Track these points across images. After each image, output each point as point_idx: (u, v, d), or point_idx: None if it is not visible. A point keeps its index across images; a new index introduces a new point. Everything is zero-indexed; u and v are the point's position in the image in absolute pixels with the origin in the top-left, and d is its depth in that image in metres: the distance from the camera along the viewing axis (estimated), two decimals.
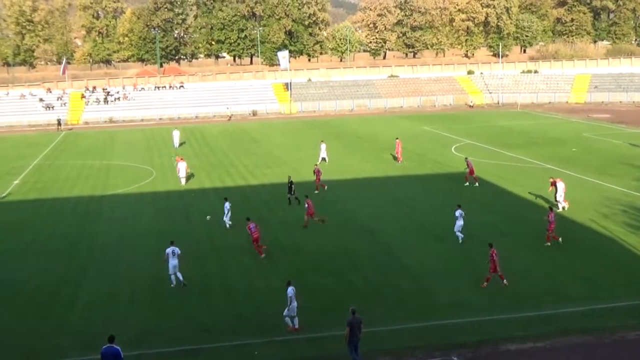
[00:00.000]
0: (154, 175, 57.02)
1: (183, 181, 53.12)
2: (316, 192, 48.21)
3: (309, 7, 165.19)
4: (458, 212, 36.33)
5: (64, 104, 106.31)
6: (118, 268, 33.48)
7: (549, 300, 28.33)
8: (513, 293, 29.15)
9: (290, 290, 26.13)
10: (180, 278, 30.86)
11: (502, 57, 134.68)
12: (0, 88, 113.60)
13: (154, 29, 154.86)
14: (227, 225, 39.47)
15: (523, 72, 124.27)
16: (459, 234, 36.26)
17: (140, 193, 50.98)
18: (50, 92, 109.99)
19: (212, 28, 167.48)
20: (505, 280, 29.86)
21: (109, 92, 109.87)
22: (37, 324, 27.31)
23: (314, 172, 49.87)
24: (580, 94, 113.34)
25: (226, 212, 39.58)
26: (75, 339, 25.73)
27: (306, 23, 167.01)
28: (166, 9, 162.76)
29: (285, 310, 26.15)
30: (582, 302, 28.04)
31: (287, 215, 42.84)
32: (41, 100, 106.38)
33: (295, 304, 26.02)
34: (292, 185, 46.08)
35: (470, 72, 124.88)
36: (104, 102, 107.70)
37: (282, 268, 32.96)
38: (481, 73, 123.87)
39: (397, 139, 62.14)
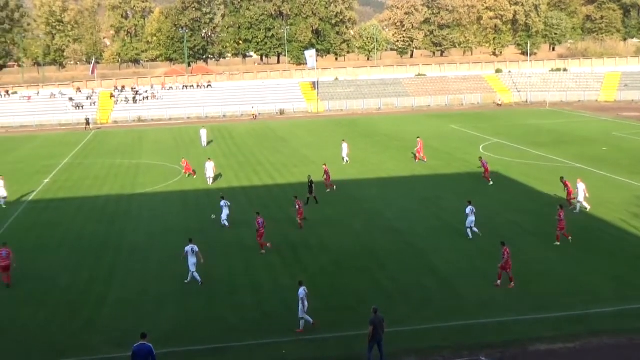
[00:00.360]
0: (182, 174, 57.35)
1: (210, 181, 53.39)
2: (328, 190, 48.47)
3: (336, 6, 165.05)
4: (469, 209, 36.96)
5: (94, 103, 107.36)
6: (147, 266, 33.79)
7: (578, 300, 28.11)
8: (541, 293, 28.98)
9: (302, 291, 26.11)
10: (198, 278, 31.18)
11: (530, 55, 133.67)
12: (31, 88, 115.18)
13: (182, 28, 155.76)
14: (224, 224, 39.58)
15: (552, 70, 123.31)
16: (469, 230, 36.88)
17: (168, 192, 51.37)
18: (80, 91, 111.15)
19: (239, 27, 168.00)
20: (513, 283, 29.74)
21: (137, 92, 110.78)
22: (67, 322, 27.67)
23: (324, 172, 49.71)
24: (610, 93, 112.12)
25: (223, 210, 39.64)
26: (104, 337, 26.05)
27: (333, 22, 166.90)
28: (194, 9, 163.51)
29: (300, 310, 26.03)
30: (613, 303, 27.79)
31: (313, 213, 42.88)
32: (71, 99, 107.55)
33: (306, 304, 26.02)
34: (312, 185, 46.07)
35: (498, 71, 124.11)
36: (133, 101, 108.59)
37: (307, 266, 33.10)
38: (509, 71, 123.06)
39: (418, 137, 62.06)
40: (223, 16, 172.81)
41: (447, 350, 24.14)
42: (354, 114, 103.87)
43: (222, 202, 39.89)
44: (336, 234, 38.34)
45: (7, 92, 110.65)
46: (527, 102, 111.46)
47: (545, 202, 44.37)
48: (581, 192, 41.40)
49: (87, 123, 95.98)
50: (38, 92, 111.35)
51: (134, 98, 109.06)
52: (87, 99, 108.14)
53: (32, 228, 42.11)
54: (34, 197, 50.93)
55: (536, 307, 27.61)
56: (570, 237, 35.35)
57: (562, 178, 43.52)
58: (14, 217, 44.80)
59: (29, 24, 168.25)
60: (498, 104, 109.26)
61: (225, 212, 39.41)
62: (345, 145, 61.12)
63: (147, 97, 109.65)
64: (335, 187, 49.42)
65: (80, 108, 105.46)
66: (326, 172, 49.47)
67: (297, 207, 39.95)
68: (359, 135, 75.88)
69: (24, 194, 51.50)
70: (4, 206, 47.81)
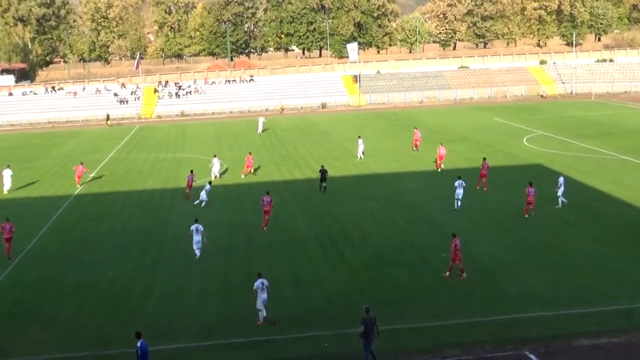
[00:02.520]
0: (224, 168, 57.71)
1: (214, 176, 53.17)
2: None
3: None
4: (457, 183, 41.01)
5: (138, 98, 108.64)
6: (189, 260, 34.07)
7: (623, 294, 27.69)
8: (584, 287, 28.62)
9: (259, 283, 26.35)
10: (198, 254, 33.53)
11: (575, 46, 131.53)
12: (76, 83, 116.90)
13: (225, 23, 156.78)
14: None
15: (598, 61, 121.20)
16: (457, 202, 40.94)
17: (211, 186, 51.69)
18: (124, 87, 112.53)
19: (281, 21, 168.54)
20: (464, 274, 29.87)
21: (180, 86, 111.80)
22: (112, 313, 28.11)
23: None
24: None
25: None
26: (149, 329, 26.27)
27: (375, 15, 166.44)
28: (236, 3, 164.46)
29: (258, 302, 26.24)
30: None
31: (355, 207, 42.92)
32: (115, 95, 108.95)
33: (263, 296, 26.21)
34: (326, 174, 47.61)
35: (542, 62, 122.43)
36: (176, 96, 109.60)
37: (349, 260, 33.12)
38: (554, 63, 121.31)
39: (415, 128, 63.38)
40: (265, 10, 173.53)
41: (490, 345, 23.96)
42: (395, 107, 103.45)
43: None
44: (378, 228, 38.30)
45: (53, 88, 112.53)
46: (572, 93, 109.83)
47: (588, 195, 43.75)
48: (562, 187, 40.61)
49: (108, 119, 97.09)
50: (84, 88, 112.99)
51: (177, 93, 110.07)
52: (132, 94, 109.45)
53: (77, 222, 42.81)
54: (79, 191, 51.72)
55: (581, 300, 27.25)
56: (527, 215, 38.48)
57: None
58: (60, 211, 45.57)
59: (74, 21, 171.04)
60: (542, 96, 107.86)
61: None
62: (361, 142, 59.99)
63: (190, 92, 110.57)
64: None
65: (125, 103, 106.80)
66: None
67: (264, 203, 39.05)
68: (400, 129, 75.55)
69: (70, 188, 52.32)
70: (6, 193, 50.86)
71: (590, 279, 29.40)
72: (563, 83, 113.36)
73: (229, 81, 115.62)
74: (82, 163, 55.22)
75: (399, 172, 53.50)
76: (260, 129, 79.72)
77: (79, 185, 53.18)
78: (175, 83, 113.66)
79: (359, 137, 61.70)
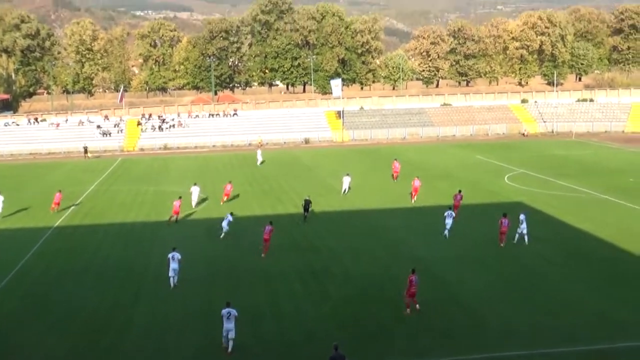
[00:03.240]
0: (207, 201, 57.65)
1: (194, 204, 55.47)
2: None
3: (362, 36, 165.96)
4: (447, 213, 43.62)
5: (121, 130, 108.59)
6: (171, 293, 33.86)
7: (604, 334, 27.73)
8: (565, 326, 28.65)
9: (224, 311, 27.00)
10: (172, 282, 34.51)
11: (556, 85, 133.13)
12: (59, 115, 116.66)
13: (209, 57, 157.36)
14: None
15: (578, 100, 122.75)
16: (447, 231, 43.18)
17: (193, 219, 51.66)
18: (108, 119, 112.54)
19: (266, 56, 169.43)
20: (418, 306, 30.36)
21: (164, 120, 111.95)
22: (91, 346, 27.78)
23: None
24: (637, 123, 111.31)
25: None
26: None
27: (359, 52, 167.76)
28: (221, 38, 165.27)
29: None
30: None
31: (337, 242, 42.92)
32: (98, 127, 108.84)
33: (226, 325, 26.72)
34: (309, 205, 49.48)
35: (524, 101, 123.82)
36: (159, 129, 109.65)
37: (331, 295, 33.05)
38: (535, 101, 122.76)
39: (395, 159, 67.28)
40: (250, 45, 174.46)
41: None
42: (378, 144, 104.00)
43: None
44: (360, 263, 38.29)
45: (36, 119, 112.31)
46: (553, 132, 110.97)
47: (569, 233, 44.05)
48: (524, 224, 41.26)
49: (86, 151, 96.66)
50: (66, 120, 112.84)
51: (160, 126, 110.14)
52: (115, 126, 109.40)
53: (58, 254, 42.44)
54: (60, 223, 51.38)
55: (561, 340, 27.26)
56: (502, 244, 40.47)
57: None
58: (40, 243, 45.20)
59: (59, 52, 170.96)
60: (524, 134, 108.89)
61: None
62: (347, 179, 60.58)
63: (174, 125, 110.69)
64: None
65: (108, 135, 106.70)
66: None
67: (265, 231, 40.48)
68: (383, 165, 75.85)
69: (51, 220, 51.98)
70: None
71: (571, 318, 29.46)
72: (544, 122, 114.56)
73: (212, 115, 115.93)
74: (60, 191, 55.86)
75: (381, 208, 53.67)
76: (259, 161, 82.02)
77: (52, 212, 53.53)
78: (159, 116, 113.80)
79: (347, 174, 61.88)
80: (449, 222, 43.15)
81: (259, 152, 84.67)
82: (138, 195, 62.72)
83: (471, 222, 47.57)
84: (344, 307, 31.55)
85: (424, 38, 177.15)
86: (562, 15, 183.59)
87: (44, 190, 63.99)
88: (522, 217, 41.57)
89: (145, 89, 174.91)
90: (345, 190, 60.18)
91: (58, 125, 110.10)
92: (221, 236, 43.15)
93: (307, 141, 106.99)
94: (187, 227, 48.81)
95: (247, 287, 34.29)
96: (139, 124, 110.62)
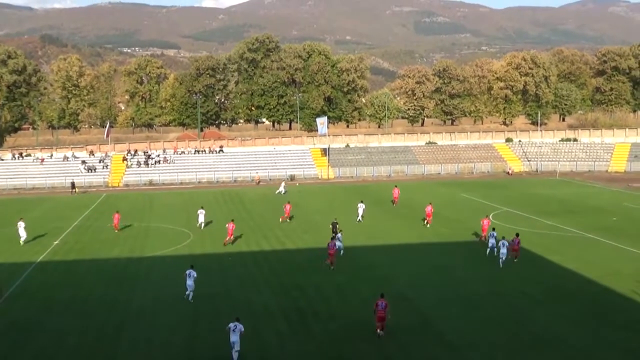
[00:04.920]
0: (191, 238, 57.43)
1: (202, 226, 62.22)
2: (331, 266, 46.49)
3: (348, 75, 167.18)
4: (501, 242, 46.13)
5: (106, 166, 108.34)
6: (153, 331, 33.53)
7: None
8: None
9: (232, 325, 29.68)
10: (190, 298, 38.30)
11: (540, 125, 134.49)
12: (44, 150, 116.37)
13: (196, 94, 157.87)
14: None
15: (562, 140, 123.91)
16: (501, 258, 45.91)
17: (177, 255, 51.34)
18: (93, 154, 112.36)
19: (252, 94, 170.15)
20: (382, 332, 31.74)
21: (149, 155, 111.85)
22: None
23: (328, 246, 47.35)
24: (620, 163, 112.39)
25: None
26: None
27: (345, 90, 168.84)
28: (208, 75, 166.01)
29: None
30: None
31: (322, 279, 42.72)
32: (83, 162, 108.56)
33: (232, 339, 29.30)
34: (337, 227, 54.07)
35: (508, 140, 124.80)
36: (145, 164, 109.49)
37: (316, 334, 32.80)
38: (519, 141, 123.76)
39: (396, 186, 75.31)
40: (236, 83, 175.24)
41: None
42: (364, 181, 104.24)
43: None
44: (345, 301, 38.08)
45: (20, 154, 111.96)
46: (537, 171, 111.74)
47: (554, 272, 44.10)
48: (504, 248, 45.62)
49: (73, 187, 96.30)
50: (51, 155, 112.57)
51: (145, 162, 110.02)
52: (100, 162, 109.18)
53: (40, 289, 42.02)
54: (43, 258, 50.96)
55: None
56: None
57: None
58: (22, 278, 44.77)
59: (45, 88, 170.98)
60: (508, 173, 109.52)
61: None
62: (361, 207, 64.70)
63: (159, 161, 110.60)
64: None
65: (93, 171, 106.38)
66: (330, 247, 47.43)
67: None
68: (369, 202, 75.81)
69: (34, 255, 51.52)
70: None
71: (557, 357, 29.36)
72: (528, 161, 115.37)
73: (198, 151, 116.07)
74: (118, 211, 64.08)
75: (367, 245, 53.59)
76: (282, 190, 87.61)
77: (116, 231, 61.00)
78: (144, 152, 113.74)
79: (361, 201, 66.29)
80: (503, 251, 45.74)
81: (282, 184, 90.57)
82: (122, 231, 62.33)
83: (457, 260, 47.61)
84: (329, 345, 31.30)
85: (409, 77, 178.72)
86: (545, 57, 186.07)
87: (27, 225, 63.39)
88: (502, 242, 45.93)
89: (131, 125, 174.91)
90: (360, 218, 64.04)
91: (43, 160, 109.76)
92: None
93: (292, 178, 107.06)
94: (172, 264, 48.46)
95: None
96: (124, 159, 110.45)
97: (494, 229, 48.87)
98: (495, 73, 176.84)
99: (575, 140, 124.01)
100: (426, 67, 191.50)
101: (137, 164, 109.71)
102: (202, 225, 62.07)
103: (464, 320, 34.50)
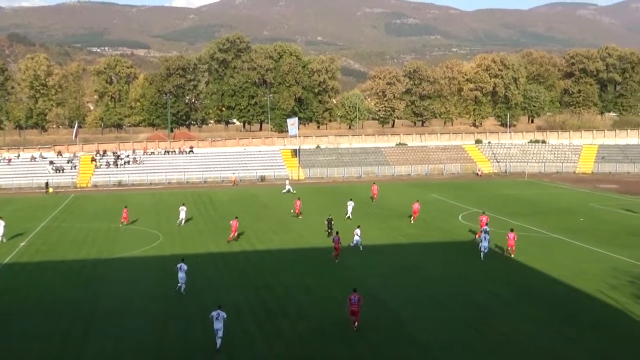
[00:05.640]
0: (160, 239, 57.03)
1: (182, 223, 63.89)
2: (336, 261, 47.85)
3: (319, 75, 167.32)
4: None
5: (74, 166, 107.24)
6: (122, 332, 33.21)
7: None
8: None
9: (214, 313, 30.66)
10: (182, 290, 39.50)
11: (509, 126, 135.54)
12: (11, 150, 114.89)
13: (166, 94, 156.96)
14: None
15: (531, 141, 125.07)
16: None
17: (146, 257, 50.94)
18: (61, 155, 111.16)
19: (222, 94, 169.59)
20: (357, 325, 32.59)
21: (119, 156, 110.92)
22: None
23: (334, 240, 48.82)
24: (587, 165, 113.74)
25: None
26: None
27: (316, 91, 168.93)
28: (178, 75, 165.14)
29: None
30: None
31: (292, 280, 42.63)
32: (51, 162, 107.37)
33: (215, 325, 30.30)
34: (332, 223, 57.04)
35: (478, 141, 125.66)
36: (114, 165, 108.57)
37: (285, 334, 32.71)
38: (489, 142, 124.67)
39: (374, 183, 79.41)
40: (207, 83, 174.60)
41: None
42: (334, 182, 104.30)
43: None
44: (315, 302, 38.03)
45: None
46: (506, 172, 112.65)
47: (522, 272, 44.41)
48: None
49: (47, 187, 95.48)
50: (18, 155, 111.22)
51: (115, 162, 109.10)
52: (68, 162, 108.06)
53: (5, 292, 41.39)
54: (9, 260, 50.25)
55: None
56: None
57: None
58: None
59: (12, 87, 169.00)
60: (478, 174, 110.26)
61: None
62: (350, 204, 66.39)
63: (129, 162, 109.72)
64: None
65: (61, 171, 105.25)
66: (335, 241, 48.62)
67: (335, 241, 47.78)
68: (340, 204, 75.88)
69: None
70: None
71: (525, 357, 29.55)
72: (497, 162, 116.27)
73: (168, 152, 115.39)
74: (126, 207, 66.51)
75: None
76: (288, 189, 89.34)
77: (121, 225, 62.94)
78: (114, 152, 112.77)
79: (350, 199, 68.19)
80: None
81: (287, 182, 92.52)
82: (90, 232, 61.72)
83: (426, 260, 47.81)
84: (298, 346, 31.24)
85: (380, 78, 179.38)
86: (515, 59, 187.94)
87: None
88: (484, 235, 48.47)
89: (100, 125, 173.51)
90: (349, 215, 65.18)
91: (10, 160, 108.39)
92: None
93: (263, 179, 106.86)
94: (141, 266, 48.11)
95: (201, 326, 33.74)
96: (93, 160, 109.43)
97: (487, 232, 49.07)
98: (465, 75, 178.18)
99: (543, 141, 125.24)
100: (397, 69, 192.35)
101: (106, 165, 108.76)
102: (183, 221, 64.02)
103: (435, 320, 34.60)
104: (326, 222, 57.87)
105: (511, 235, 48.52)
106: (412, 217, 64.08)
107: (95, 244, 56.47)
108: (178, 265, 39.87)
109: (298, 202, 69.34)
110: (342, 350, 30.55)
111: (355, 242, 51.42)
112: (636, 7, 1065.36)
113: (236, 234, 56.34)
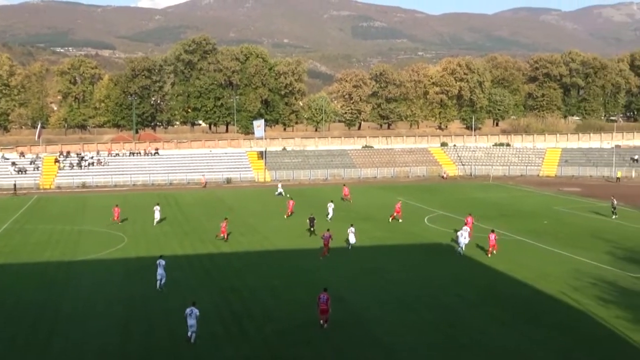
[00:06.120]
0: (125, 241, 56.52)
1: (155, 222, 64.91)
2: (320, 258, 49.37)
3: (285, 78, 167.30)
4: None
5: (37, 168, 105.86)
6: (85, 335, 32.81)
7: None
8: None
9: (188, 310, 31.46)
10: (161, 285, 40.30)
11: (475, 129, 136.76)
12: None
13: (131, 95, 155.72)
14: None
15: (495, 144, 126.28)
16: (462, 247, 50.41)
17: (111, 259, 50.42)
18: (24, 156, 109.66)
19: (188, 96, 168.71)
20: (326, 325, 33.05)
21: (82, 157, 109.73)
22: None
23: (323, 236, 50.74)
24: (551, 168, 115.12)
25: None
26: None
27: (282, 93, 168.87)
28: (144, 76, 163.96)
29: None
30: None
31: (258, 282, 42.51)
32: (14, 164, 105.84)
33: (189, 322, 31.13)
34: (314, 221, 58.44)
35: (443, 144, 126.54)
36: (78, 166, 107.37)
37: (251, 336, 32.59)
38: (454, 145, 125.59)
39: (344, 185, 79.85)
40: (172, 84, 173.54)
41: None
42: (300, 184, 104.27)
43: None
44: (281, 304, 37.93)
45: None
46: (471, 175, 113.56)
47: (487, 274, 44.74)
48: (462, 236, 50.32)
49: (15, 188, 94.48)
50: None
51: (79, 163, 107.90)
52: (31, 163, 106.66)
53: None
54: None
55: None
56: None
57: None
58: None
59: None
60: (443, 177, 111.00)
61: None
62: (331, 206, 67.16)
63: (93, 163, 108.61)
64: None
65: (23, 173, 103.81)
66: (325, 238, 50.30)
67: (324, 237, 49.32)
68: (305, 205, 75.90)
69: None
70: None
71: (489, 357, 29.75)
72: (463, 165, 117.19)
73: (133, 153, 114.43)
74: (117, 205, 67.15)
75: (303, 248, 53.53)
76: (280, 192, 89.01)
77: (112, 222, 64.09)
78: (77, 154, 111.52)
79: (331, 201, 69.07)
80: (461, 240, 50.38)
81: (279, 185, 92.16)
82: (53, 234, 60.97)
83: (392, 263, 47.95)
84: (263, 348, 31.13)
85: (346, 81, 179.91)
86: (480, 63, 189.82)
87: None
88: (461, 232, 51.13)
89: (64, 126, 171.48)
90: (330, 216, 65.75)
91: None
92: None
93: (229, 181, 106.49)
94: (105, 268, 47.60)
95: (166, 328, 33.51)
96: (56, 161, 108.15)
97: (467, 231, 51.37)
98: (431, 78, 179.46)
99: (508, 145, 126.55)
100: (363, 71, 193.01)
101: (69, 166, 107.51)
102: (157, 221, 65.13)
103: (401, 322, 34.68)
104: (308, 220, 59.20)
105: (492, 236, 49.95)
106: (391, 217, 65.93)
107: (58, 246, 55.80)
108: (157, 262, 41.06)
109: (291, 202, 71.11)
110: (308, 353, 30.50)
111: (352, 241, 52.22)
112: (599, 12, 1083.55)
113: (226, 234, 56.67)
